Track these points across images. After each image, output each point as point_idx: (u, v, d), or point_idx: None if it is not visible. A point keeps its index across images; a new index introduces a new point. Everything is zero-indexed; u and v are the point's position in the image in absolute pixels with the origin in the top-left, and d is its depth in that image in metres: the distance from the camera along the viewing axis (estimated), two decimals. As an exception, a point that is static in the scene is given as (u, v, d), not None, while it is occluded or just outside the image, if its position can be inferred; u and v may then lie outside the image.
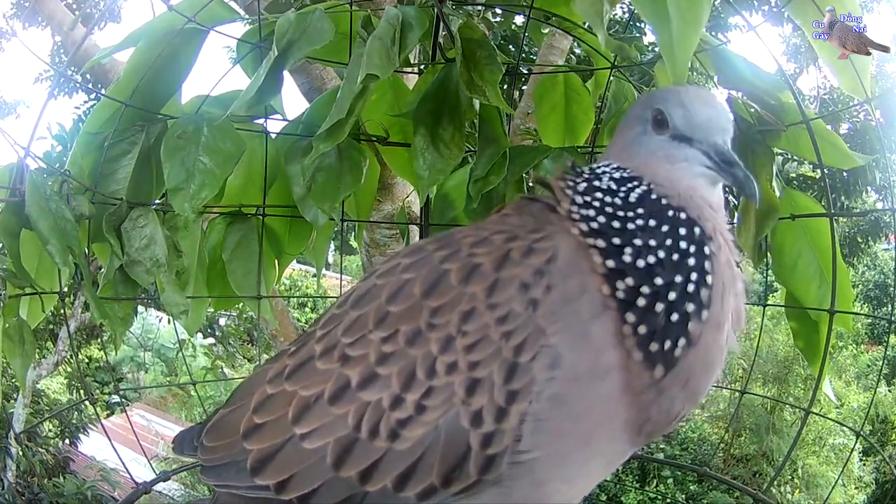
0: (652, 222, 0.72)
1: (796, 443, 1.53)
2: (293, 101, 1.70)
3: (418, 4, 1.27)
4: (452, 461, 0.66)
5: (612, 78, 1.50)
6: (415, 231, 1.75)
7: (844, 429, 6.11)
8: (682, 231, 0.72)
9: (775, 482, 5.55)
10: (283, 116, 1.44)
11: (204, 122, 1.25)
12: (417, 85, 1.40)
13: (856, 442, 1.40)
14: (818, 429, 6.25)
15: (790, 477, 6.19)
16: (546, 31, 2.29)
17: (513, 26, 3.87)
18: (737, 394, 6.32)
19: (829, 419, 5.60)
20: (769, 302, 1.69)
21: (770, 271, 1.40)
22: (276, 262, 1.55)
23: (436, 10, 1.27)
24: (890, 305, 1.84)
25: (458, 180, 1.42)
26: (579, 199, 0.75)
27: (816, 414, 1.46)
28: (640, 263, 0.69)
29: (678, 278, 0.69)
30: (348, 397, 0.71)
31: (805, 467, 6.20)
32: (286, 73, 1.25)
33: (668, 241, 0.71)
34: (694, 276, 0.70)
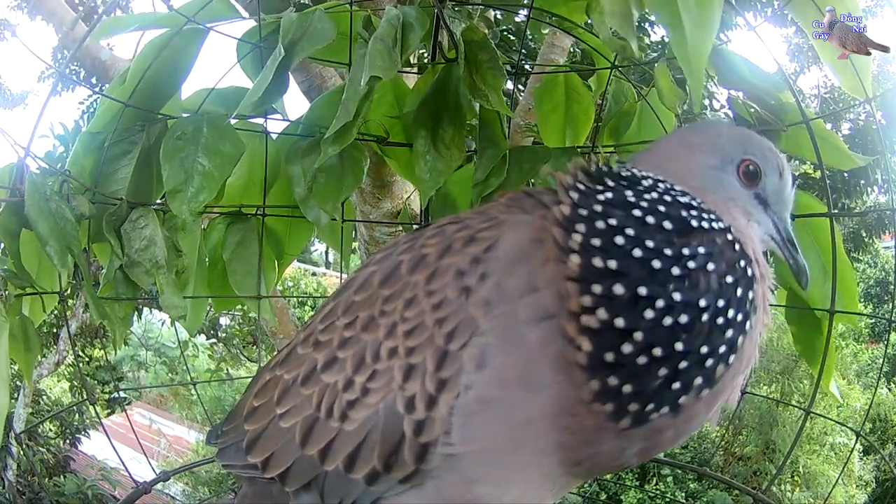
0: (714, 271, 0.64)
1: (796, 443, 1.53)
2: (293, 100, 1.70)
3: (418, 4, 1.27)
4: (390, 446, 0.67)
5: (611, 77, 1.49)
6: (417, 230, 1.75)
7: (845, 427, 6.11)
8: (740, 292, 0.65)
9: (775, 481, 5.55)
10: (284, 116, 1.43)
11: (204, 122, 1.25)
12: (417, 86, 1.40)
13: (856, 441, 1.40)
14: (819, 427, 6.24)
15: (790, 475, 6.18)
16: (546, 31, 2.29)
17: (511, 27, 3.87)
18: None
19: (830, 419, 5.59)
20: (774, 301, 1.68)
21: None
22: (277, 262, 1.55)
23: (436, 10, 1.27)
24: (890, 304, 1.83)
25: (458, 179, 1.42)
26: (596, 207, 0.66)
27: (817, 414, 1.45)
28: (669, 321, 0.61)
29: (705, 348, 0.62)
30: (314, 379, 0.73)
31: (805, 466, 6.20)
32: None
33: (720, 303, 0.63)
34: (722, 349, 0.63)
